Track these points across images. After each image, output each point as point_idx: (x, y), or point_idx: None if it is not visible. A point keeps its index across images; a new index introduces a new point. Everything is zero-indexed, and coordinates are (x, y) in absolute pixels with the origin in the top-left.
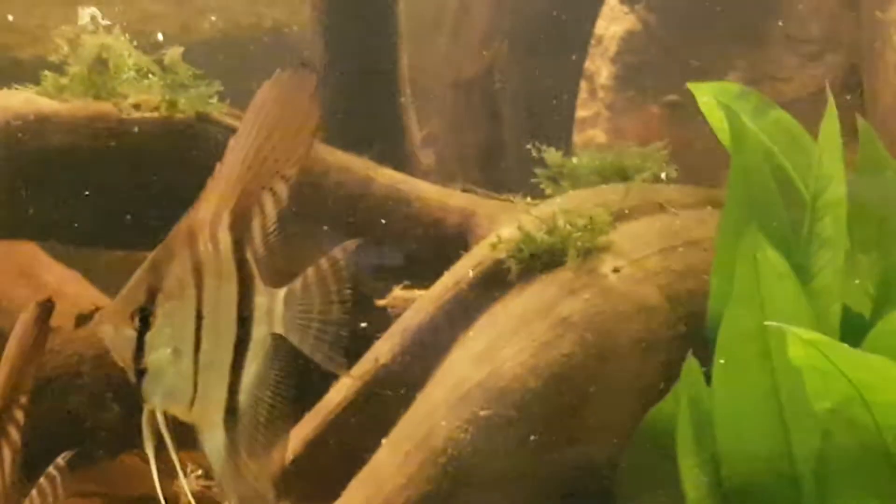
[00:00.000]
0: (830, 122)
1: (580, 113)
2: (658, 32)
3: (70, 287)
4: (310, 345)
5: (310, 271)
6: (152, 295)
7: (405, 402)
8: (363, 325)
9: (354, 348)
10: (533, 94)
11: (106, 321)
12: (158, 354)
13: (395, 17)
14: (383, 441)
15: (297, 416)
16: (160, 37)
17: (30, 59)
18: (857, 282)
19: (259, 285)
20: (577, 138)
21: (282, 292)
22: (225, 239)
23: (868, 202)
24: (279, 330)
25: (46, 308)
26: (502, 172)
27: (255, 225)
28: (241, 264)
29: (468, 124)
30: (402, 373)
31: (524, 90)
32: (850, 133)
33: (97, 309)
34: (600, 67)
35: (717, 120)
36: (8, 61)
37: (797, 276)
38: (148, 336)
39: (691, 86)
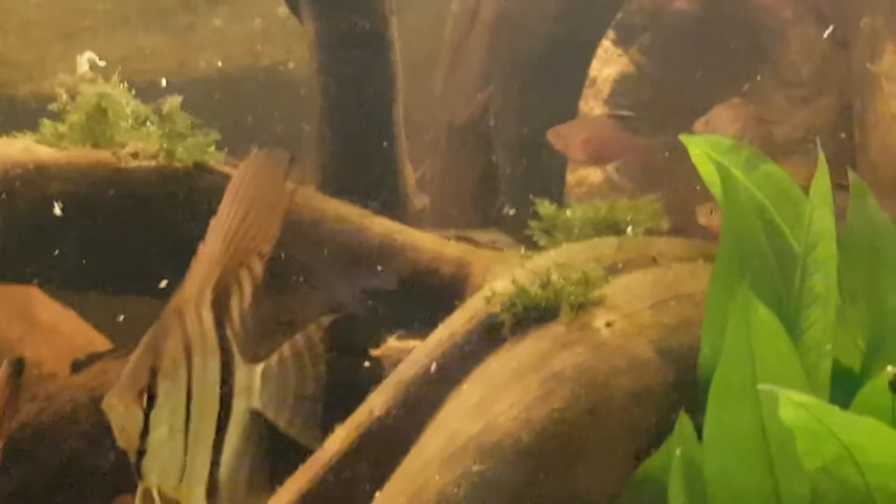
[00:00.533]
0: (821, 180)
1: None
2: (651, 75)
3: (65, 325)
4: (285, 420)
5: (286, 347)
6: (154, 374)
7: (399, 455)
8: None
9: (349, 399)
10: (527, 136)
11: (116, 402)
12: (158, 433)
13: (391, 63)
14: (377, 494)
15: (291, 468)
16: (164, 82)
17: (26, 96)
18: (846, 336)
19: (238, 361)
20: (571, 177)
21: (259, 368)
22: (208, 317)
23: (858, 253)
24: (256, 405)
25: (18, 366)
26: (497, 214)
27: (234, 302)
28: (222, 341)
29: (463, 166)
30: (397, 425)
31: (518, 131)
32: (841, 174)
33: (93, 355)
34: (594, 108)
35: (708, 173)
36: (4, 99)
37: (788, 332)
38: (152, 415)
39: (683, 138)
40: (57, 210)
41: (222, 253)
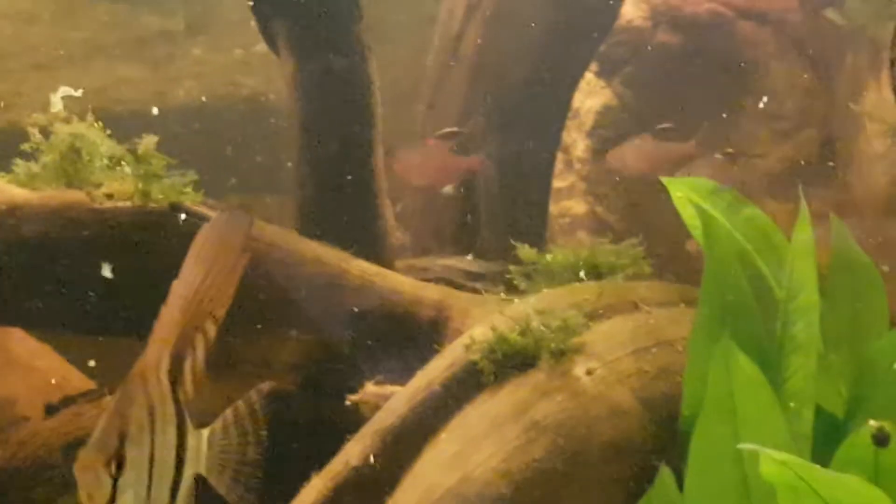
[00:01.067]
0: (803, 228)
1: (557, 184)
2: (634, 106)
3: (41, 361)
4: (226, 485)
5: (228, 412)
6: (122, 440)
7: None
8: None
9: (325, 447)
10: (508, 170)
11: (87, 467)
12: (124, 499)
13: (369, 100)
14: None
15: None
16: (155, 111)
17: (3, 127)
18: (829, 384)
19: (189, 426)
20: (554, 209)
21: (206, 433)
22: (165, 382)
23: (840, 296)
24: (202, 470)
25: None
26: (478, 250)
27: (187, 366)
28: (177, 406)
29: (443, 201)
30: (374, 476)
31: (499, 166)
32: (824, 205)
33: (67, 398)
34: (577, 140)
35: (689, 216)
36: None
37: (770, 380)
38: (120, 481)
39: (664, 180)
40: (107, 272)
41: (182, 316)
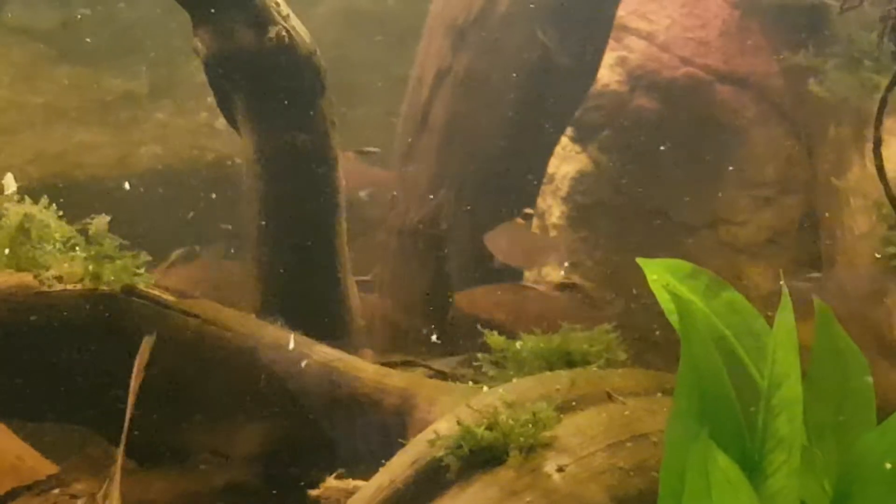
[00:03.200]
0: (785, 316)
1: None
2: (610, 173)
3: None
4: None
5: None
6: None
7: None
8: None
9: None
10: (481, 240)
11: None
12: None
13: (333, 177)
14: None
15: None
16: (126, 185)
17: None
18: (813, 480)
19: None
20: (529, 275)
21: None
22: None
23: (825, 384)
24: None
25: None
26: (450, 323)
27: None
28: None
29: (413, 272)
30: None
31: (472, 236)
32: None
33: (15, 490)
34: (552, 206)
35: (665, 300)
36: None
37: (751, 476)
38: None
39: (640, 261)
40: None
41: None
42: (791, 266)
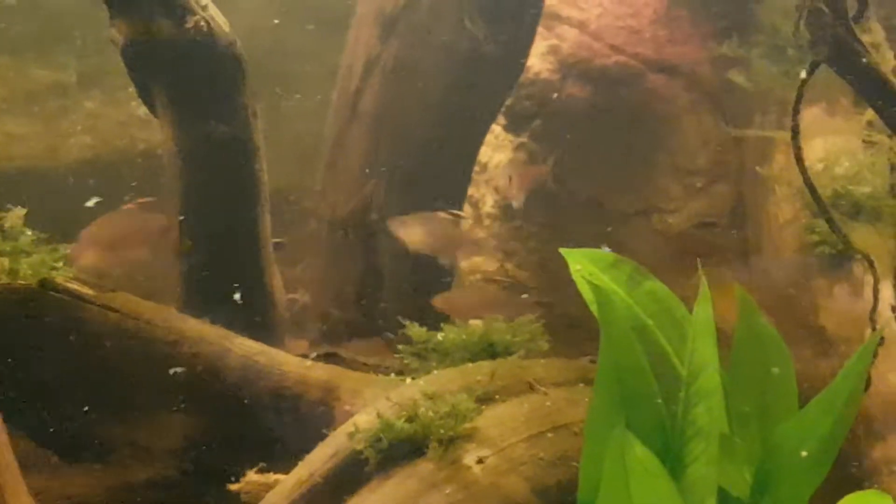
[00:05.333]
0: (703, 307)
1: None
2: (543, 161)
3: None
4: None
5: None
6: None
7: None
8: None
9: None
10: None
11: None
12: None
13: (254, 168)
14: None
15: None
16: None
17: None
18: (733, 468)
19: None
20: (464, 265)
21: None
22: None
23: (748, 373)
24: None
25: None
26: (381, 313)
27: None
28: None
29: (345, 262)
30: None
31: None
32: (741, 258)
33: None
34: (485, 195)
35: (587, 291)
36: None
37: (672, 466)
38: None
39: (563, 251)
40: None
41: None
42: (723, 253)
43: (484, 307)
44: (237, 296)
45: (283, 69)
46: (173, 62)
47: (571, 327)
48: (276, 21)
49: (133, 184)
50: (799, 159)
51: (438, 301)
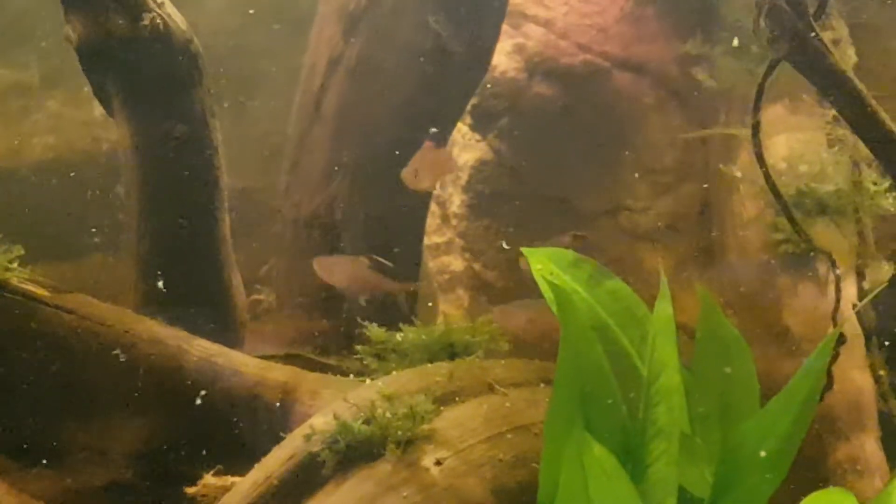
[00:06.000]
0: (663, 306)
1: (434, 239)
2: (510, 161)
3: None
4: None
5: None
6: None
7: None
8: None
9: None
10: (376, 229)
11: None
12: None
13: (212, 167)
14: None
15: None
16: None
17: None
18: (694, 468)
19: None
20: (433, 265)
21: None
22: None
23: (709, 373)
24: None
25: None
26: (346, 313)
27: None
28: None
29: (309, 262)
30: None
31: (366, 225)
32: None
33: None
34: (452, 195)
35: (547, 290)
36: None
37: (633, 466)
38: None
39: (525, 250)
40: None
41: None
42: (691, 252)
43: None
44: (195, 296)
45: (249, 69)
46: (129, 60)
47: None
48: (242, 21)
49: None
50: (759, 157)
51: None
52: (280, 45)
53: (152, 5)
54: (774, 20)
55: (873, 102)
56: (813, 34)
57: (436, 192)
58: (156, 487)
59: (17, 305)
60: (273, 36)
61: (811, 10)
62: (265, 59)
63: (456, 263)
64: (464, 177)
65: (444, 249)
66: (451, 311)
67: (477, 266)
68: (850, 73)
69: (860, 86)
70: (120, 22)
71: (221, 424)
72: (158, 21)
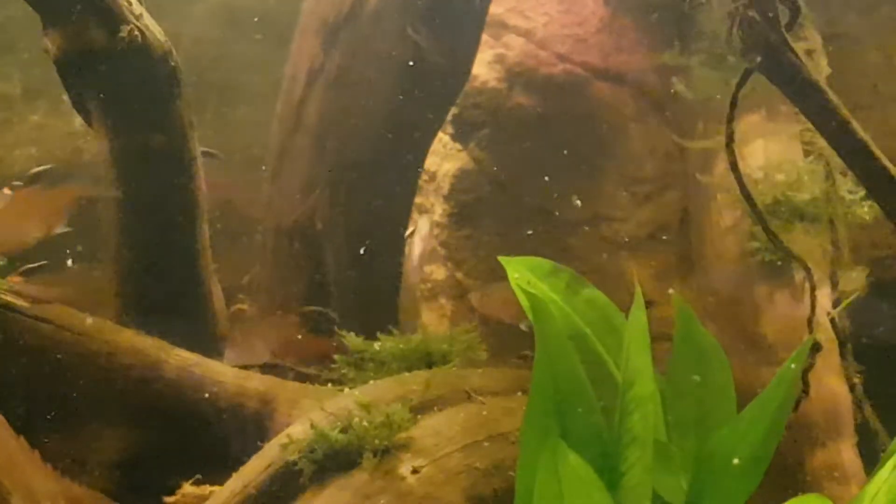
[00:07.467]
0: (637, 314)
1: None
2: (491, 170)
3: None
4: None
5: None
6: None
7: None
8: None
9: None
10: (357, 239)
11: None
12: None
13: (191, 178)
14: None
15: None
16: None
17: None
18: (669, 476)
19: None
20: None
21: None
22: None
23: (685, 380)
24: None
25: None
26: (328, 323)
27: None
28: None
29: (290, 273)
30: None
31: (347, 235)
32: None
33: None
34: (434, 204)
35: (524, 298)
36: None
37: (609, 473)
38: None
39: (502, 260)
40: None
41: None
42: (671, 261)
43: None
44: (174, 306)
45: (231, 79)
46: (107, 72)
47: (521, 335)
48: (224, 31)
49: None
50: (734, 167)
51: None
52: (263, 56)
53: (130, 17)
54: (747, 31)
55: (846, 113)
56: (785, 45)
57: (418, 201)
58: (134, 497)
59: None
60: (256, 46)
61: (784, 21)
62: (247, 69)
63: (438, 272)
64: (445, 186)
65: (425, 259)
66: (433, 319)
67: (459, 275)
68: (823, 84)
69: (833, 97)
70: (98, 34)
71: (200, 434)
72: (136, 33)
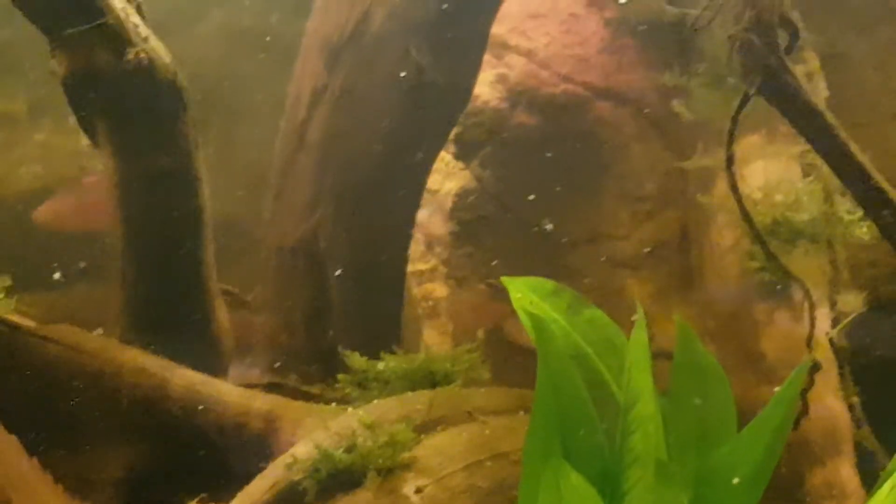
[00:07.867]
0: (639, 334)
1: (418, 266)
2: (493, 189)
3: None
4: None
5: None
6: None
7: None
8: None
9: None
10: (359, 257)
11: None
12: None
13: (196, 199)
14: None
15: None
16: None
17: None
18: (669, 496)
19: None
20: (417, 292)
21: None
22: None
23: (686, 400)
24: None
25: None
26: (330, 341)
27: None
28: None
29: (293, 290)
30: None
31: (350, 253)
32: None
33: None
34: (437, 223)
35: (526, 319)
36: None
37: (611, 493)
38: None
39: (504, 280)
40: None
41: None
42: (671, 279)
43: None
44: (180, 325)
45: (234, 98)
46: (114, 94)
47: (523, 354)
48: (228, 50)
49: None
50: (734, 188)
51: None
52: (265, 75)
53: (136, 40)
54: (747, 55)
55: (844, 136)
56: (784, 68)
57: (420, 220)
58: None
59: (3, 336)
60: (259, 65)
61: (783, 45)
62: (250, 88)
63: (440, 290)
64: (448, 204)
65: (428, 276)
66: (435, 337)
67: (461, 293)
68: (822, 107)
69: (832, 119)
70: (104, 57)
71: (205, 453)
72: (143, 56)
